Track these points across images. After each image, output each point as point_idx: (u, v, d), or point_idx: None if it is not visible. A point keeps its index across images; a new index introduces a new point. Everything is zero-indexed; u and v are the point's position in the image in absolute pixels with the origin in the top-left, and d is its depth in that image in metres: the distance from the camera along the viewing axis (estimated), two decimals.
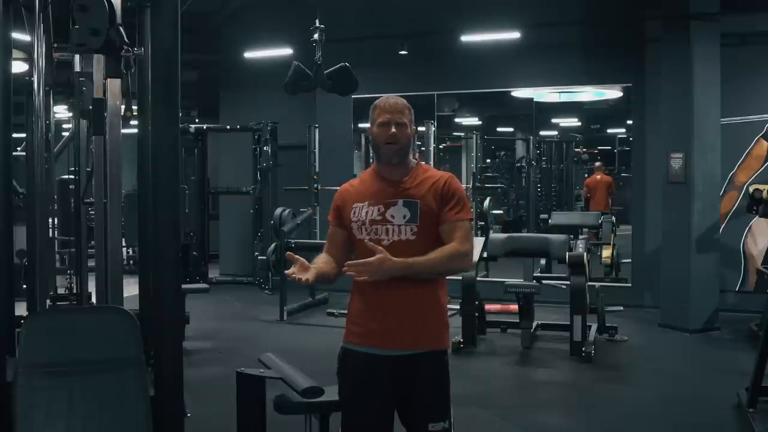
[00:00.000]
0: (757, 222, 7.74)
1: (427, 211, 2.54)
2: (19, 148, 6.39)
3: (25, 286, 4.32)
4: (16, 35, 3.75)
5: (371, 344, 2.54)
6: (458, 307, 6.54)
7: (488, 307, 7.20)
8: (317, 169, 9.45)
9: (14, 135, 3.60)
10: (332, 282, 2.62)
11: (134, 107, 3.51)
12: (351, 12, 8.81)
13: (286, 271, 2.52)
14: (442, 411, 2.56)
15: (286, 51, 8.97)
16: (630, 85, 8.67)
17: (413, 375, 2.53)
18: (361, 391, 2.56)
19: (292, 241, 7.85)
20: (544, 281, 7.04)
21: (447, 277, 2.65)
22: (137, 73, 3.51)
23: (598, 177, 11.22)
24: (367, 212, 2.56)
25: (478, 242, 7.01)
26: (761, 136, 7.87)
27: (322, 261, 2.60)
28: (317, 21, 6.68)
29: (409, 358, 2.52)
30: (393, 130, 2.54)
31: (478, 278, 6.74)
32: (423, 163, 2.72)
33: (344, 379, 2.62)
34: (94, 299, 4.39)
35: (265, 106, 10.12)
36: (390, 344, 2.52)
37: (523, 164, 12.29)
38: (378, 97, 2.65)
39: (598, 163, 11.53)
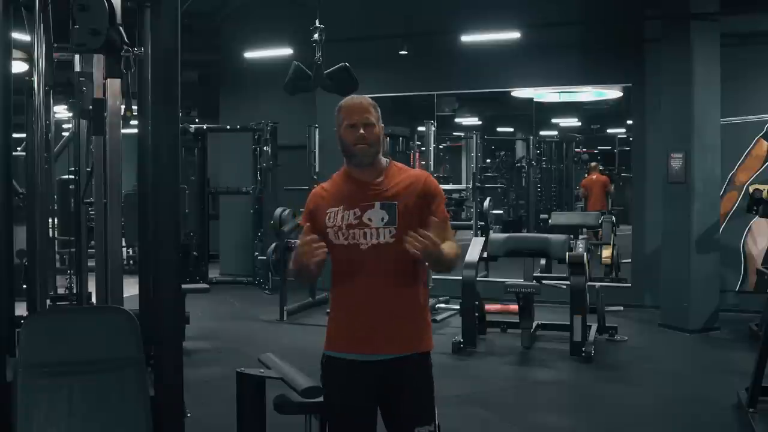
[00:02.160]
0: (757, 222, 7.74)
1: (405, 212, 2.47)
2: (19, 148, 6.38)
3: (25, 286, 4.31)
4: (16, 35, 3.75)
5: (357, 350, 2.50)
6: (458, 307, 6.53)
7: (488, 307, 7.20)
8: (317, 169, 9.44)
9: (14, 135, 3.59)
10: (317, 277, 2.49)
11: (134, 107, 3.50)
12: (351, 12, 8.81)
13: (314, 244, 2.34)
14: (428, 414, 2.53)
15: (286, 51, 8.96)
16: (630, 85, 8.68)
17: (400, 379, 2.50)
18: (348, 398, 2.50)
19: (292, 241, 7.84)
20: (544, 281, 7.03)
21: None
22: (137, 73, 3.50)
23: (594, 177, 11.27)
24: (342, 217, 2.49)
25: (478, 242, 7.02)
26: (761, 136, 7.88)
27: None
28: (317, 21, 6.67)
29: (396, 362, 2.49)
30: (361, 131, 2.48)
31: (478, 278, 6.74)
32: (396, 162, 2.65)
33: (329, 387, 2.55)
34: (94, 299, 4.38)
35: (265, 106, 10.12)
36: (377, 349, 2.48)
37: (523, 164, 12.32)
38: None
39: (593, 163, 11.59)
